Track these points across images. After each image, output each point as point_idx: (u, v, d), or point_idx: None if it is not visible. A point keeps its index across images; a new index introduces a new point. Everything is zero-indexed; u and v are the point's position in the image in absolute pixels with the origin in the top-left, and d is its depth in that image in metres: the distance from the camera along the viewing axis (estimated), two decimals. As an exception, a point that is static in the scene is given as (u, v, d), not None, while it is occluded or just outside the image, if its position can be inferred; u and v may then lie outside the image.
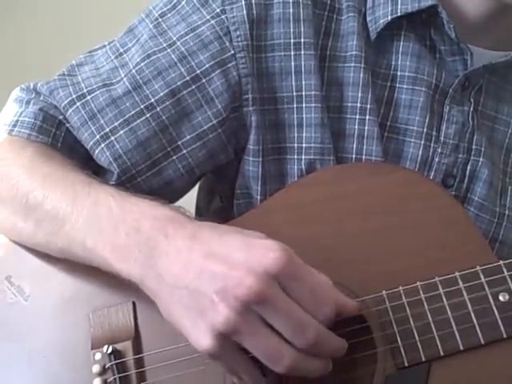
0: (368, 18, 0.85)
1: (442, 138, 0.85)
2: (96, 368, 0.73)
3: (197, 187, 0.99)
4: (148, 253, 0.66)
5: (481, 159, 0.86)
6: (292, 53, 0.82)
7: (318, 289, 0.64)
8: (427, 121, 0.84)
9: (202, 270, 0.63)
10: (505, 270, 0.70)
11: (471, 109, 0.86)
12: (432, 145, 0.85)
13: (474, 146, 0.86)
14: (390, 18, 0.83)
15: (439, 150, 0.85)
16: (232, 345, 0.63)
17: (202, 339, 0.62)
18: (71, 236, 0.73)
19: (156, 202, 0.72)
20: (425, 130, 0.84)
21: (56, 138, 0.83)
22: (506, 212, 0.87)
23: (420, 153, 0.84)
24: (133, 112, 0.81)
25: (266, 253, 0.62)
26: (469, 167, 0.86)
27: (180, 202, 0.90)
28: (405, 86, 0.85)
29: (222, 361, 0.65)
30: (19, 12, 2.22)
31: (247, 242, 0.64)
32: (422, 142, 0.84)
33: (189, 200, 0.97)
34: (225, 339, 0.62)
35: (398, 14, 0.83)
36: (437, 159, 0.85)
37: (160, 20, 0.84)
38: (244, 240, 0.64)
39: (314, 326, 0.62)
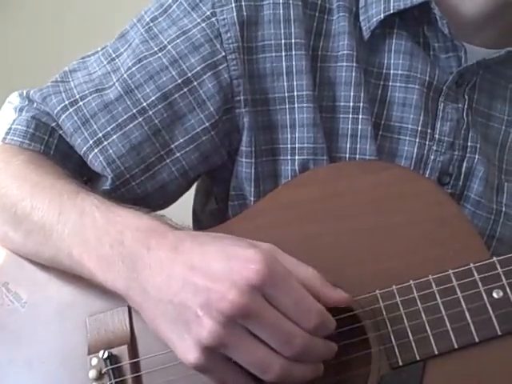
0: (361, 18, 0.85)
1: (436, 136, 0.85)
2: (92, 373, 0.72)
3: (194, 189, 0.99)
4: (131, 265, 0.67)
5: (476, 156, 0.85)
6: (283, 53, 0.81)
7: (302, 296, 0.63)
8: (421, 119, 0.84)
9: (185, 283, 0.63)
10: (498, 266, 0.70)
11: (465, 106, 0.86)
12: (427, 143, 0.84)
13: (469, 143, 0.85)
14: (382, 15, 0.83)
15: (434, 148, 0.85)
16: (219, 357, 0.63)
17: (189, 353, 0.62)
18: (58, 246, 0.73)
19: (140, 212, 0.72)
20: (419, 127, 0.84)
21: (48, 145, 0.84)
22: (503, 209, 0.87)
23: (415, 151, 0.84)
24: (125, 116, 0.81)
25: (247, 265, 0.61)
26: (464, 164, 0.85)
27: (177, 204, 0.90)
28: (398, 84, 0.84)
29: (209, 373, 0.64)
30: (19, 12, 2.23)
31: (228, 253, 0.63)
32: (417, 140, 0.84)
33: (186, 202, 0.97)
34: (211, 352, 0.62)
35: (391, 11, 0.82)
36: (432, 157, 0.85)
37: (151, 24, 0.84)
38: (225, 251, 0.64)
39: (300, 335, 0.62)
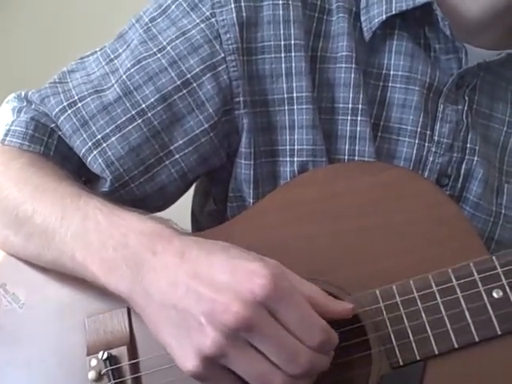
0: (362, 18, 0.84)
1: (436, 138, 0.85)
2: (92, 374, 0.72)
3: (192, 190, 0.98)
4: (135, 268, 0.66)
5: (475, 158, 0.85)
6: (282, 55, 0.81)
7: (307, 312, 0.63)
8: (421, 120, 0.84)
9: (189, 290, 0.62)
10: (498, 266, 0.70)
11: (465, 107, 0.86)
12: (426, 144, 0.84)
13: (468, 145, 0.85)
14: (384, 16, 0.82)
15: (433, 150, 0.85)
16: (218, 367, 0.62)
17: (188, 361, 0.62)
18: (60, 249, 0.73)
19: (144, 216, 0.72)
20: (419, 129, 0.84)
21: (48, 146, 0.83)
22: (503, 211, 0.87)
23: (414, 152, 0.84)
24: (124, 118, 0.81)
25: (253, 278, 0.61)
26: (463, 166, 0.85)
27: (176, 205, 0.90)
28: (398, 86, 0.84)
29: (206, 382, 0.64)
30: (19, 12, 2.22)
31: (234, 265, 0.63)
32: (416, 142, 0.84)
33: (185, 203, 0.97)
34: (211, 362, 0.61)
35: (393, 12, 0.82)
36: (431, 158, 0.85)
37: (150, 25, 0.84)
38: (231, 262, 0.63)
39: (304, 354, 0.61)
